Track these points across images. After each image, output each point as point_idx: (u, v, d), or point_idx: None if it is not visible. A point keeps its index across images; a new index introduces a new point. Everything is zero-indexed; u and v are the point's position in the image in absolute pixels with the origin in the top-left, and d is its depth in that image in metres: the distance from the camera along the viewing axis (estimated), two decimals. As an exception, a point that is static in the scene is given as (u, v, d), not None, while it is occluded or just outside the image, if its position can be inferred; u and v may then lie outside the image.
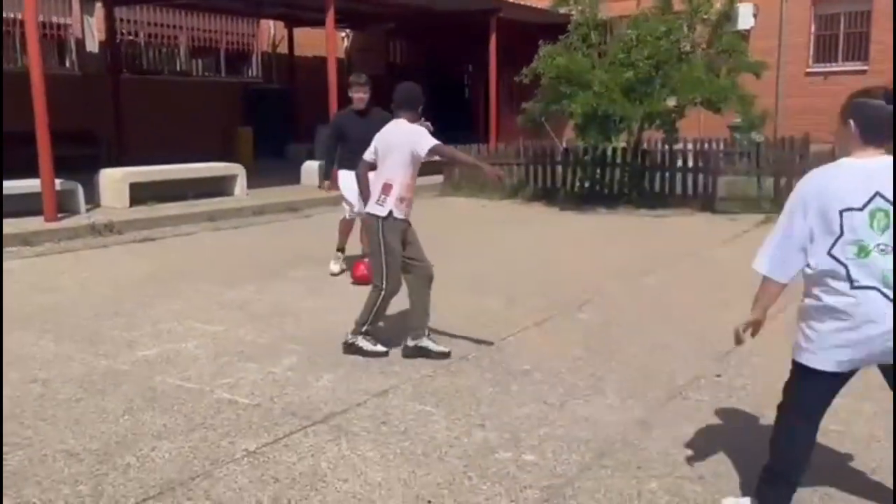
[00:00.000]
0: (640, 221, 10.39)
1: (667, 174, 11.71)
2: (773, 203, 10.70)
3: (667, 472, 3.21)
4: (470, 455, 3.38)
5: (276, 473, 3.20)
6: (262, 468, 3.25)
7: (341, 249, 7.18)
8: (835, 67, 16.85)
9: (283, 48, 20.68)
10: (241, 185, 12.34)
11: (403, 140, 4.61)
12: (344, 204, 7.06)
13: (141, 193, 10.89)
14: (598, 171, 12.25)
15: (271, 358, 4.69)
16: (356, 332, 4.72)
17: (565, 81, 11.02)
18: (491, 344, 4.93)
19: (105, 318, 5.58)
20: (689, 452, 3.38)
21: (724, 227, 9.64)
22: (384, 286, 4.63)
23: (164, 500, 2.99)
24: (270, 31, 21.08)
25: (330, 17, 13.16)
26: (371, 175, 4.87)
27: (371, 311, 4.66)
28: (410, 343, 4.68)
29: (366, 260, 6.71)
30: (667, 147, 11.71)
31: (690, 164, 11.58)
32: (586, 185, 12.33)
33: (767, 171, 11.08)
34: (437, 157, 4.85)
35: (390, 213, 4.57)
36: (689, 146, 11.86)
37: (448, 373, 4.43)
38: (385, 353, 4.69)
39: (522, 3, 16.68)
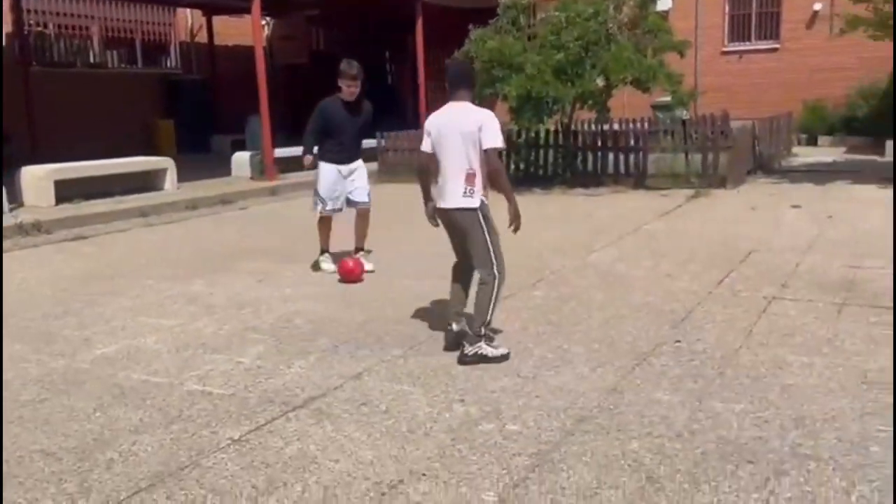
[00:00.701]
0: (576, 201, 10.63)
1: (599, 154, 12.01)
2: (701, 178, 11.15)
3: (645, 433, 3.35)
4: (455, 429, 3.45)
5: (265, 459, 3.20)
6: (250, 455, 3.24)
7: (326, 249, 6.74)
8: (748, 46, 17.55)
9: (201, 37, 20.15)
10: (171, 179, 12.02)
11: (473, 124, 4.21)
12: (315, 200, 6.62)
13: (66, 191, 10.48)
14: (532, 153, 12.46)
15: (237, 348, 4.65)
16: (477, 338, 4.25)
17: (497, 65, 11.14)
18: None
19: (54, 317, 5.39)
20: (664, 413, 3.54)
21: (657, 203, 9.96)
22: (498, 272, 4.29)
23: (157, 491, 2.95)
24: (188, 19, 20.50)
25: (256, 3, 12.91)
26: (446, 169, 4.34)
27: (491, 305, 4.26)
28: (469, 351, 4.26)
29: (355, 256, 6.57)
30: (598, 127, 11.99)
31: (622, 143, 11.91)
32: (521, 167, 12.53)
33: (694, 148, 11.49)
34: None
35: (482, 201, 4.28)
36: (616, 126, 12.19)
37: (419, 353, 4.48)
38: (508, 356, 4.28)
39: (447, -13, 16.73)
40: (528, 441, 3.31)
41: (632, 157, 11.78)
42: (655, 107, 14.26)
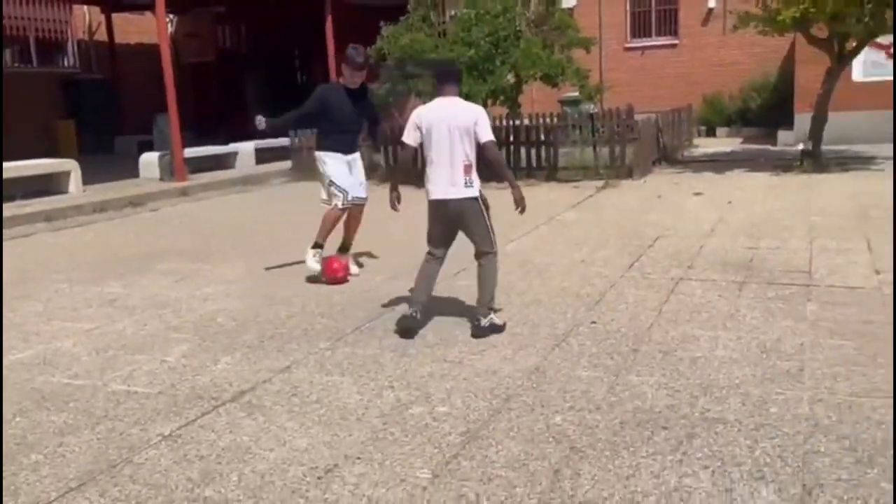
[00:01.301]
0: (491, 194, 10.74)
1: (511, 148, 12.27)
2: (609, 169, 11.56)
3: (567, 407, 3.53)
4: (386, 414, 3.54)
5: (199, 452, 3.21)
6: (182, 449, 3.24)
7: (321, 245, 6.08)
8: (650, 42, 18.24)
9: (100, 35, 19.46)
10: (75, 181, 11.63)
11: (468, 118, 4.47)
12: (334, 191, 6.00)
13: (-38, 196, 10.00)
14: (447, 148, 12.61)
15: (160, 348, 4.60)
16: (488, 311, 4.57)
17: (410, 61, 11.25)
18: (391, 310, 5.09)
19: (-40, 325, 5.18)
20: (584, 388, 3.73)
21: (569, 194, 10.29)
22: (496, 249, 4.67)
23: (89, 490, 2.92)
24: (86, 16, 19.75)
25: (160, 1, 12.59)
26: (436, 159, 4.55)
27: (495, 279, 4.64)
28: (484, 322, 4.55)
29: (341, 257, 6.18)
30: (510, 122, 12.26)
31: (533, 138, 12.21)
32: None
33: (602, 141, 11.91)
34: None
35: (479, 189, 4.59)
36: (527, 121, 12.50)
37: (346, 344, 4.54)
38: (505, 327, 4.63)
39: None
40: (457, 421, 3.43)
41: (543, 150, 12.10)
42: (563, 102, 14.67)
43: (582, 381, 3.84)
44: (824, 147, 11.96)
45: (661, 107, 14.44)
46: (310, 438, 3.31)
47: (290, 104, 6.50)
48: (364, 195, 6.25)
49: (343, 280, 6.00)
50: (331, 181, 6.00)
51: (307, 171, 13.57)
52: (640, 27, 18.50)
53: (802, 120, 13.57)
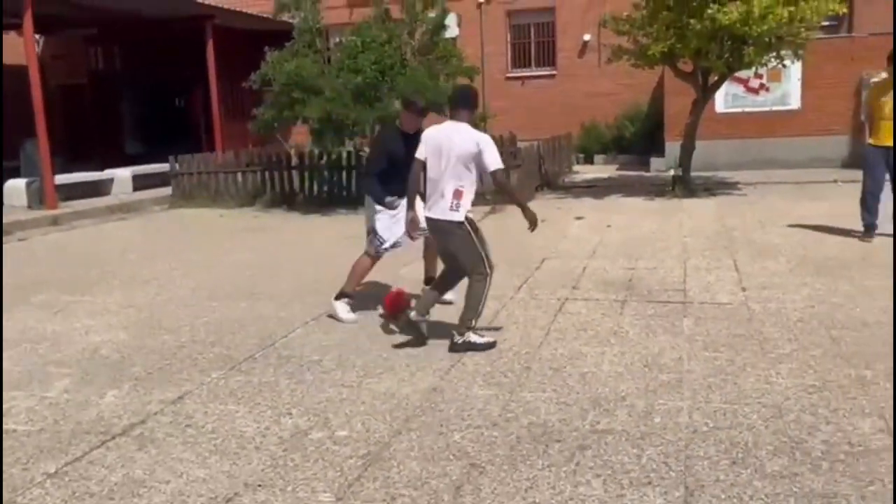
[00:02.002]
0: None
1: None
2: (495, 194, 11.86)
3: (466, 425, 3.62)
4: (285, 441, 3.52)
5: (88, 489, 3.08)
6: (70, 486, 3.11)
7: (350, 295, 5.65)
8: (530, 72, 18.92)
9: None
10: (-68, 209, 10.81)
11: (469, 147, 4.56)
12: (372, 238, 5.65)
13: None
14: (336, 175, 12.62)
15: (39, 384, 4.37)
16: (465, 329, 4.67)
17: (296, 87, 11.21)
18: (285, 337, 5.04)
19: None
20: (480, 406, 3.83)
21: (457, 219, 10.48)
22: (489, 270, 4.72)
23: (-32, 536, 2.76)
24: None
25: (28, 20, 12.01)
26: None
27: (482, 300, 4.68)
28: (458, 340, 4.68)
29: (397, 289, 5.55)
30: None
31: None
32: (324, 189, 12.64)
33: (487, 167, 12.22)
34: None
35: (466, 216, 4.65)
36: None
37: (240, 372, 4.47)
38: (494, 344, 4.72)
39: (239, 9, 16.51)
40: (358, 444, 3.46)
41: (431, 176, 12.27)
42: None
43: (478, 399, 3.94)
44: (693, 173, 12.76)
45: (542, 135, 14.98)
46: (207, 469, 3.24)
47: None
48: (398, 245, 5.76)
49: (399, 310, 5.29)
50: (373, 228, 5.65)
51: (188, 197, 13.27)
52: (520, 58, 19.16)
53: (673, 147, 14.43)
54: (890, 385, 3.92)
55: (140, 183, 14.47)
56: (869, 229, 7.79)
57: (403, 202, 5.31)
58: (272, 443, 3.50)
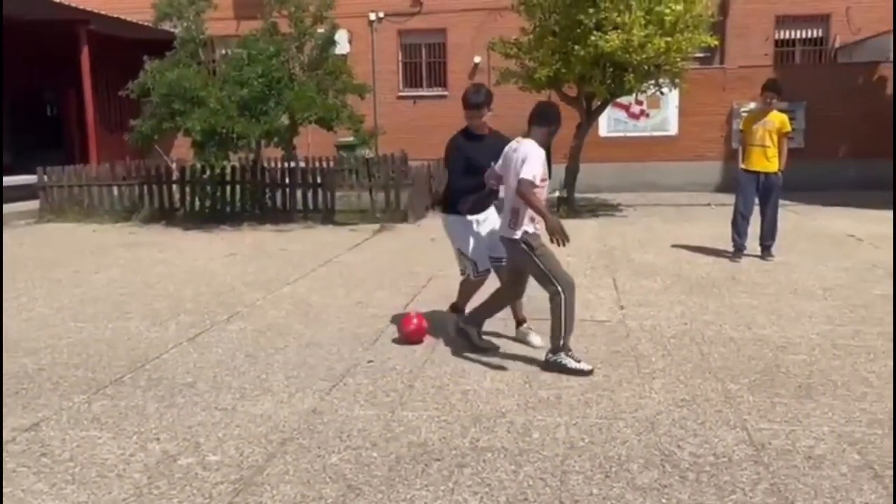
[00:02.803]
0: (267, 236, 10.66)
1: (287, 190, 12.18)
2: (385, 213, 11.85)
3: (344, 447, 3.54)
4: (151, 467, 3.32)
5: (-78, 529, 2.80)
6: None
7: (461, 309, 5.43)
8: (421, 92, 19.06)
9: None
10: None
11: (519, 159, 4.49)
12: (463, 260, 5.24)
13: None
14: (219, 189, 12.25)
15: None
16: (558, 350, 4.56)
17: (177, 98, 10.82)
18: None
19: None
20: (361, 426, 3.76)
21: (346, 237, 10.38)
22: (561, 288, 4.53)
23: None
24: None
25: None
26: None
27: (564, 318, 4.52)
28: (551, 357, 4.62)
29: (419, 315, 5.36)
30: (286, 164, 12.18)
31: (309, 180, 12.22)
32: (207, 204, 12.23)
33: (378, 186, 12.19)
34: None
35: (525, 232, 4.53)
36: (302, 164, 12.51)
37: (105, 396, 4.21)
38: (587, 372, 4.51)
39: (118, 16, 15.83)
40: (230, 469, 3.31)
41: (320, 193, 12.13)
42: (339, 146, 14.86)
43: (359, 419, 3.86)
44: (577, 194, 13.16)
45: (433, 154, 15.06)
46: (63, 500, 3.02)
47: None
48: (489, 265, 5.27)
49: (418, 342, 5.21)
50: (459, 249, 5.25)
51: (58, 212, 12.54)
52: (411, 78, 19.27)
53: (558, 169, 14.83)
54: (752, 398, 4.11)
55: (5, 195, 13.54)
56: (739, 250, 8.24)
57: (485, 213, 5.14)
58: (136, 470, 3.30)
